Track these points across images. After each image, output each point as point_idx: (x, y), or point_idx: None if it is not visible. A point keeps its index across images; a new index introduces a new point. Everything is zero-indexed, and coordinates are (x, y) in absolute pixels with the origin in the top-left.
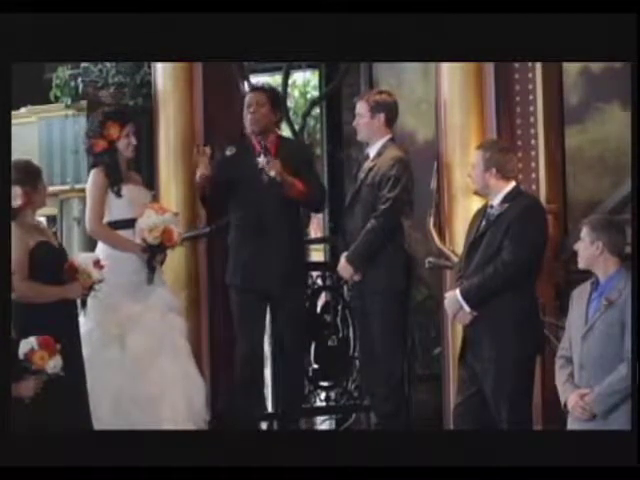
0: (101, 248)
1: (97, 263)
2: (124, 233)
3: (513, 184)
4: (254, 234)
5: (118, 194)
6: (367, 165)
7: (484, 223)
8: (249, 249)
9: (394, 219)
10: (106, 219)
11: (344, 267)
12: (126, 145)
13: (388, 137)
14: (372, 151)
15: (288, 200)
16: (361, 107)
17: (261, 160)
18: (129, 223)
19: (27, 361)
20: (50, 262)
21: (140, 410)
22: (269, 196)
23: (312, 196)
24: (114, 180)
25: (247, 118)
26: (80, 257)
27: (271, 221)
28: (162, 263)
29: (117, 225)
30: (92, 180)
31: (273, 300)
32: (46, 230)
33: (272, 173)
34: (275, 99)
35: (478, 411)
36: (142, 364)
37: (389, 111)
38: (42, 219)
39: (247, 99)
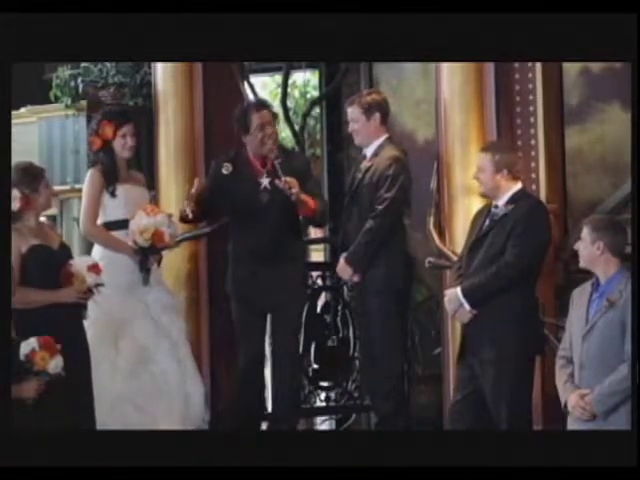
0: (98, 248)
1: (92, 267)
2: (118, 234)
3: (519, 185)
4: (252, 252)
5: (113, 194)
6: (364, 165)
7: (487, 223)
8: (249, 268)
9: (392, 219)
10: (101, 219)
11: (343, 268)
12: (122, 145)
13: (385, 137)
14: (369, 151)
15: (288, 219)
16: (354, 111)
17: (279, 182)
18: (124, 224)
19: (28, 362)
20: (45, 267)
21: (136, 410)
22: (269, 215)
23: (320, 213)
24: (110, 180)
25: (262, 139)
26: (76, 261)
27: (271, 240)
28: (159, 263)
29: (111, 226)
30: (89, 180)
31: (273, 311)
32: (48, 232)
33: (294, 191)
34: (275, 115)
35: (474, 410)
36: (138, 364)
37: (382, 109)
38: (42, 219)
39: (258, 119)
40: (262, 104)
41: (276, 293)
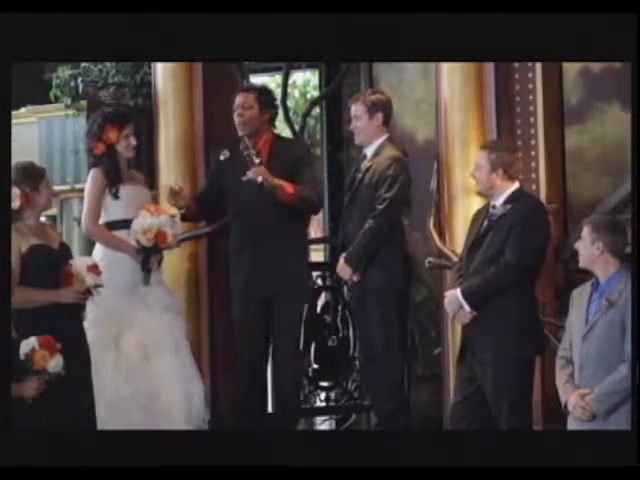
0: (99, 248)
1: (92, 268)
2: (120, 234)
3: (517, 185)
4: (253, 239)
5: (115, 196)
6: (364, 165)
7: (486, 223)
8: (248, 255)
9: (392, 219)
10: (103, 219)
11: (343, 268)
12: (126, 146)
13: (385, 137)
14: (369, 151)
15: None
16: (357, 109)
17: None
18: (125, 224)
19: (28, 361)
20: (44, 266)
21: (137, 410)
22: (266, 199)
23: (304, 198)
24: (113, 181)
25: (235, 121)
26: (76, 261)
27: (269, 225)
28: (160, 263)
29: (113, 226)
30: (91, 180)
31: (274, 302)
32: (49, 232)
33: (259, 179)
34: (263, 99)
35: (475, 411)
36: (138, 364)
37: (386, 110)
38: (42, 219)
39: (235, 101)
40: (239, 88)
41: (277, 280)
